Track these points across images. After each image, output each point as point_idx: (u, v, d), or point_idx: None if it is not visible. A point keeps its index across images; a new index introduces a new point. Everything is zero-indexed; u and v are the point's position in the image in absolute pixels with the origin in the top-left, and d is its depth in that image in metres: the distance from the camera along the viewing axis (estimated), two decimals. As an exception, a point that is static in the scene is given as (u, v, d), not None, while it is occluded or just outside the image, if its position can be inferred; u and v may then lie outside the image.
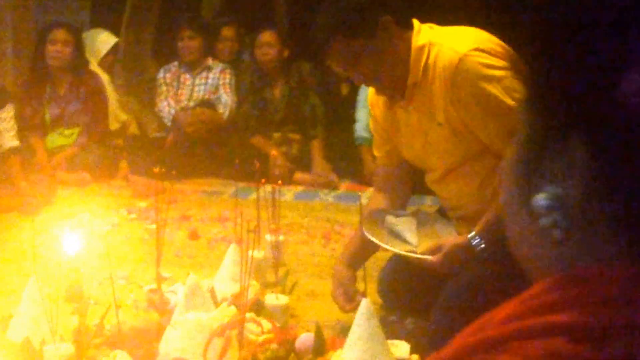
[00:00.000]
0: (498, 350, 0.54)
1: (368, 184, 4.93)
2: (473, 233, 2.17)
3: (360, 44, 2.16)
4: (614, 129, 0.52)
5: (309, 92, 5.47)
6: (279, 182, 3.13)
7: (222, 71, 5.59)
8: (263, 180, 2.92)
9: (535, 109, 0.58)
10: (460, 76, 2.08)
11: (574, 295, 0.53)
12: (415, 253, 2.24)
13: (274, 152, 5.12)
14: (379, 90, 2.32)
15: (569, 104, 0.54)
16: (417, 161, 2.42)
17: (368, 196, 4.72)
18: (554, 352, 0.52)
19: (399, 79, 2.22)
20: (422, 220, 2.37)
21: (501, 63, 2.08)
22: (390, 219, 2.36)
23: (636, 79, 0.50)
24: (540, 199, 0.55)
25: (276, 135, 5.40)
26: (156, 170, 2.72)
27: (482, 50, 2.09)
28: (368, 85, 2.37)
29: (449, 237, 2.28)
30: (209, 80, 5.58)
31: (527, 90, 0.61)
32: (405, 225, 2.32)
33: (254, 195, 2.98)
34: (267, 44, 5.44)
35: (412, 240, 2.28)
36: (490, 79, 2.06)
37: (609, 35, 0.52)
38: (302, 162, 5.20)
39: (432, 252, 2.20)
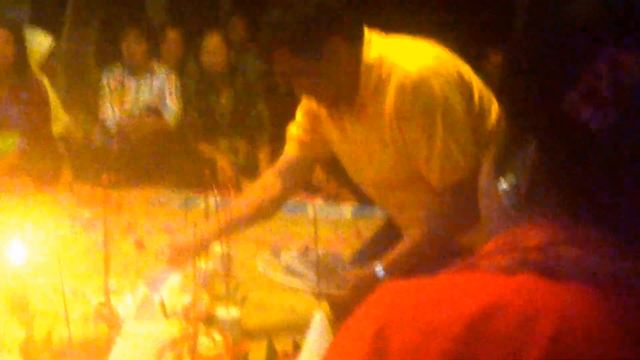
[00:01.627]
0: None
1: (317, 194, 4.93)
2: (379, 266, 2.15)
3: (305, 61, 2.10)
4: (557, 131, 0.64)
5: (256, 98, 5.44)
6: (228, 190, 3.11)
7: (167, 75, 5.53)
8: (214, 189, 2.89)
9: (505, 115, 0.71)
10: (412, 98, 2.04)
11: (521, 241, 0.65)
12: (319, 289, 2.21)
13: (221, 160, 5.08)
14: (321, 103, 2.26)
15: (527, 111, 0.67)
16: (357, 173, 2.39)
17: (317, 207, 4.76)
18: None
19: (346, 94, 2.16)
20: (314, 257, 2.35)
21: (453, 89, 2.05)
22: (285, 256, 2.34)
23: (576, 95, 0.62)
24: (502, 184, 0.68)
25: (223, 142, 5.36)
26: (103, 177, 2.67)
27: (437, 72, 2.05)
28: (309, 97, 2.31)
29: (352, 270, 2.24)
30: (154, 85, 5.51)
31: (499, 100, 0.77)
32: (301, 262, 2.31)
33: (201, 205, 2.95)
34: (213, 49, 5.40)
35: (312, 276, 2.26)
36: (438, 108, 2.03)
37: (562, 58, 0.64)
38: (249, 170, 5.17)
39: (337, 286, 2.18)
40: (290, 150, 2.46)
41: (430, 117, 2.04)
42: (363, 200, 3.97)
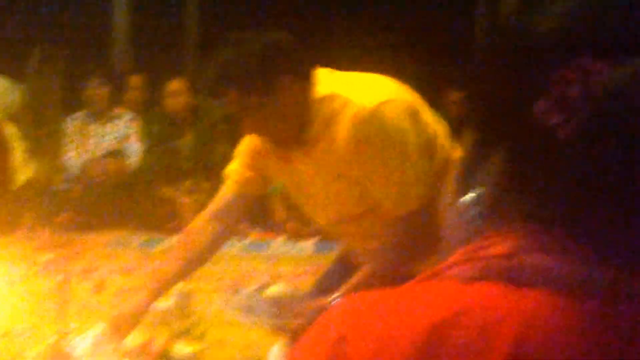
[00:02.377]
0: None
1: (278, 232, 4.94)
2: (335, 296, 2.14)
3: (253, 100, 2.07)
4: (526, 139, 0.63)
5: (219, 139, 5.46)
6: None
7: (130, 120, 5.55)
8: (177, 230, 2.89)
9: (471, 127, 0.70)
10: (366, 129, 2.04)
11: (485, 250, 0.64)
12: (277, 324, 2.22)
13: (184, 200, 5.08)
14: (269, 141, 2.23)
15: (494, 122, 0.67)
16: (309, 208, 2.38)
17: (278, 244, 4.78)
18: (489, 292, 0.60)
19: (297, 131, 2.15)
20: (272, 294, 2.35)
21: (407, 120, 2.06)
22: (244, 294, 2.34)
23: (545, 103, 0.61)
24: (466, 197, 0.67)
25: (187, 184, 5.37)
26: (60, 218, 2.66)
27: (390, 103, 2.05)
28: (258, 136, 2.25)
29: (309, 303, 2.23)
30: (117, 130, 5.52)
31: (467, 111, 0.73)
32: (259, 299, 2.31)
33: (162, 245, 2.94)
34: (176, 92, 5.43)
35: (269, 313, 2.26)
36: (393, 139, 2.04)
37: (531, 66, 0.64)
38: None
39: (294, 320, 2.19)
40: (229, 189, 2.41)
41: (385, 147, 2.05)
42: (325, 236, 3.99)
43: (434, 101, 5.05)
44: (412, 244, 2.14)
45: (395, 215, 2.12)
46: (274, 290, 2.34)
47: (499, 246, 0.62)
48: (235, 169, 2.39)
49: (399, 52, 7.67)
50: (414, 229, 2.11)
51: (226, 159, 5.44)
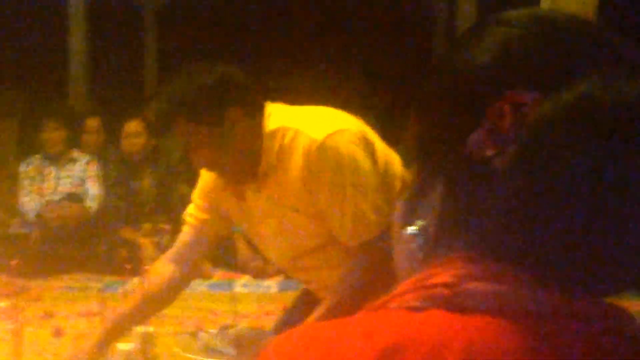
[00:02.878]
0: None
1: (242, 271, 4.88)
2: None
3: (203, 131, 2.07)
4: (462, 172, 0.66)
5: (178, 180, 5.41)
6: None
7: (88, 163, 5.47)
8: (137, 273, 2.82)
9: (414, 158, 0.72)
10: (320, 160, 2.03)
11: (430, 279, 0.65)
12: None
13: (142, 241, 5.01)
14: (222, 177, 2.22)
15: (432, 154, 0.69)
16: (263, 245, 2.36)
17: (242, 284, 4.73)
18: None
19: (248, 165, 2.14)
20: (234, 334, 2.32)
21: (359, 150, 2.06)
22: (203, 335, 2.31)
23: (479, 135, 0.64)
24: (410, 229, 0.69)
25: (146, 226, 5.29)
26: (12, 264, 2.58)
27: (342, 134, 2.06)
28: (209, 170, 2.25)
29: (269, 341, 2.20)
30: (75, 173, 5.45)
31: (408, 142, 0.76)
32: (220, 340, 2.27)
33: (122, 288, 2.87)
34: (134, 133, 5.38)
35: (231, 353, 2.23)
36: (346, 169, 2.03)
37: (464, 100, 0.66)
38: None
39: (257, 357, 2.14)
40: (187, 232, 2.40)
41: (339, 177, 2.03)
42: (289, 275, 3.95)
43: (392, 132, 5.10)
44: (372, 273, 2.11)
45: (354, 245, 2.09)
46: (235, 331, 2.30)
47: (441, 275, 0.63)
48: (192, 212, 2.37)
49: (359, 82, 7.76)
50: (374, 258, 2.08)
51: (186, 200, 5.40)
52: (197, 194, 2.38)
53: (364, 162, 2.05)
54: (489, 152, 0.63)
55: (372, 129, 2.22)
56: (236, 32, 8.48)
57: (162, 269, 2.40)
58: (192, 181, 5.35)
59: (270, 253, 2.37)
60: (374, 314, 0.65)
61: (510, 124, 0.62)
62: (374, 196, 2.07)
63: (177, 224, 5.34)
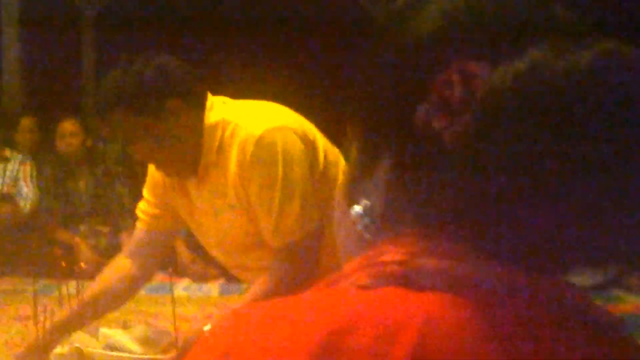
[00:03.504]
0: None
1: (182, 274, 4.80)
2: (209, 324, 2.05)
3: (142, 123, 2.02)
4: (411, 146, 0.63)
5: (116, 181, 5.31)
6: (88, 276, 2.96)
7: (21, 163, 5.34)
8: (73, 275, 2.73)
9: (354, 137, 0.69)
10: (254, 153, 2.00)
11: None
12: (148, 357, 2.12)
13: (78, 243, 4.90)
14: (161, 170, 2.16)
15: (378, 131, 0.66)
16: (206, 242, 2.31)
17: (182, 287, 4.65)
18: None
19: (188, 159, 2.09)
20: (134, 331, 2.27)
21: (297, 148, 2.03)
22: (104, 331, 2.25)
23: (427, 106, 0.61)
24: (355, 209, 0.66)
25: (83, 227, 5.18)
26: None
27: (280, 129, 2.02)
28: (148, 163, 2.22)
29: (181, 333, 2.15)
30: (7, 173, 5.30)
31: (348, 121, 0.70)
32: (122, 337, 2.22)
33: (57, 292, 2.77)
34: (69, 133, 5.26)
35: (136, 348, 2.17)
36: (280, 166, 1.99)
37: (410, 71, 0.63)
38: (112, 253, 4.99)
39: (164, 351, 2.10)
40: (140, 228, 2.33)
41: (271, 174, 2.00)
42: (231, 277, 3.90)
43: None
44: (296, 275, 2.07)
45: (278, 245, 2.06)
46: (138, 329, 2.25)
47: (392, 253, 0.61)
48: (143, 208, 2.32)
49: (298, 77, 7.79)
50: (299, 260, 2.06)
51: (123, 201, 5.32)
52: (146, 189, 2.33)
53: (300, 161, 2.02)
54: (438, 125, 0.60)
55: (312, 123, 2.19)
56: (176, 33, 8.40)
57: (117, 265, 2.35)
58: (129, 182, 5.30)
59: (213, 250, 2.33)
60: (321, 293, 0.62)
61: (459, 95, 0.59)
62: (305, 197, 2.03)
63: (115, 225, 5.26)
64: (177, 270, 4.77)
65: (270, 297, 2.10)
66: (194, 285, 4.68)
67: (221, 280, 4.55)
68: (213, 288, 4.59)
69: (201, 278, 4.73)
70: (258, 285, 2.11)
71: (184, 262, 4.81)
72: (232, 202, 2.08)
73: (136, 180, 5.40)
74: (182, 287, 4.67)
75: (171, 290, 2.28)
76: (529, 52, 0.58)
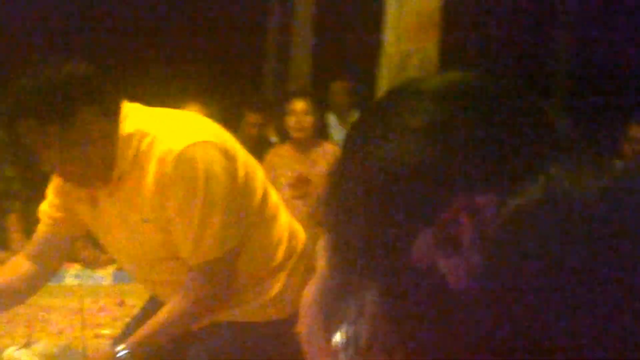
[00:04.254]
0: None
1: (72, 260, 4.70)
2: (121, 346, 2.04)
3: (51, 131, 1.92)
4: (402, 280, 0.57)
5: (3, 164, 5.12)
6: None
7: None
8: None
9: (336, 260, 0.63)
10: (174, 169, 1.95)
11: None
12: None
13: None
14: (70, 180, 2.09)
15: (367, 259, 0.59)
16: (115, 251, 2.28)
17: (73, 274, 4.55)
18: None
19: (101, 169, 2.02)
20: (37, 348, 2.25)
21: (217, 164, 1.99)
22: (8, 353, 2.22)
23: (424, 245, 0.56)
24: (337, 338, 0.61)
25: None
26: None
27: (201, 145, 1.98)
28: (58, 173, 2.11)
29: (94, 355, 2.16)
30: None
31: (327, 244, 0.65)
32: (26, 357, 2.20)
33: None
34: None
35: None
36: (200, 183, 1.96)
37: (396, 210, 0.58)
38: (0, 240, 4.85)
39: None
40: (41, 230, 2.28)
41: (191, 191, 1.96)
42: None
43: (235, 123, 5.07)
44: (211, 294, 2.09)
45: (196, 262, 2.05)
46: (42, 347, 2.21)
47: None
48: (46, 210, 2.25)
49: (199, 80, 7.71)
50: (215, 279, 2.06)
51: (11, 184, 5.14)
52: (50, 191, 2.25)
53: (220, 178, 1.99)
54: (443, 264, 0.55)
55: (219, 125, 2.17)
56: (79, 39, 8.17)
57: (17, 265, 2.28)
58: (20, 165, 5.12)
59: (122, 260, 2.29)
60: None
61: (469, 234, 0.54)
62: (226, 216, 2.01)
63: (1, 208, 5.09)
64: (68, 256, 4.66)
65: (186, 315, 2.11)
66: (85, 273, 4.57)
67: (114, 267, 4.47)
68: (106, 275, 4.50)
69: (93, 264, 4.64)
70: (174, 303, 2.08)
71: (75, 248, 4.71)
72: (147, 215, 2.03)
73: (27, 164, 5.23)
74: (73, 274, 4.56)
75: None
76: (539, 180, 0.54)
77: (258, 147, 4.77)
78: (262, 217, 2.17)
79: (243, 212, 2.08)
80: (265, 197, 2.18)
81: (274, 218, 2.22)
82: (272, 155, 4.72)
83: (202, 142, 1.98)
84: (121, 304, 3.72)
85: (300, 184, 4.64)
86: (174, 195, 1.98)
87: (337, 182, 0.63)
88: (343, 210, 0.62)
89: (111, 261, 4.50)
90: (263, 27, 9.78)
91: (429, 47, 5.05)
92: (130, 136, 2.00)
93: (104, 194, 2.09)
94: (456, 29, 7.00)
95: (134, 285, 3.72)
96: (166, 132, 2.00)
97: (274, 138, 5.55)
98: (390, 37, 5.13)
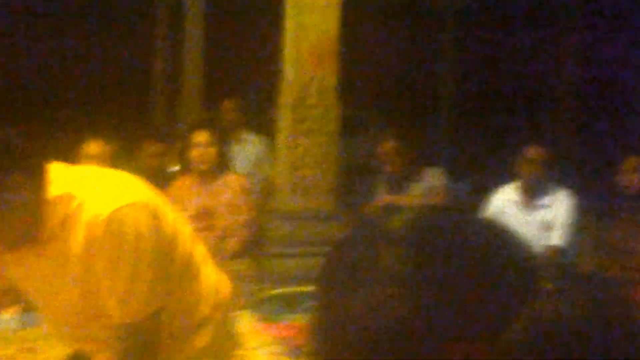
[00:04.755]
0: None
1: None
2: None
3: None
4: None
5: None
6: None
7: None
8: None
9: None
10: (101, 237, 1.95)
11: None
12: None
13: None
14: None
15: None
16: (41, 310, 2.25)
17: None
18: None
19: (28, 233, 2.00)
20: None
21: (145, 226, 1.99)
22: None
23: None
24: None
25: None
26: None
27: (131, 208, 1.98)
28: None
29: None
30: None
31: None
32: None
33: None
34: None
35: None
36: (127, 246, 1.96)
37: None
38: None
39: None
40: None
41: (119, 254, 1.96)
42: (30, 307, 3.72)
43: (132, 153, 5.01)
44: (138, 353, 2.08)
45: (122, 323, 2.05)
46: None
47: None
48: None
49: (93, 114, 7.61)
50: (141, 338, 2.06)
51: None
52: None
53: (148, 240, 1.99)
54: None
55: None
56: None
57: None
58: None
59: (50, 318, 2.26)
60: None
61: None
62: (153, 277, 2.02)
63: None
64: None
65: None
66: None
67: (19, 308, 4.31)
68: (12, 319, 4.32)
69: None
70: None
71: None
72: (75, 277, 2.02)
73: None
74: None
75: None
76: (514, 324, 0.61)
77: (158, 178, 4.72)
78: (188, 272, 2.19)
79: (170, 270, 2.09)
80: (191, 251, 2.20)
81: (199, 272, 2.24)
82: (175, 188, 4.69)
83: (130, 204, 1.98)
84: (30, 350, 3.60)
85: (204, 216, 4.64)
86: (102, 257, 1.98)
87: (326, 338, 0.66)
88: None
89: (16, 301, 4.34)
90: (152, 46, 9.68)
91: (328, 75, 5.14)
92: (57, 199, 1.99)
93: (32, 254, 2.07)
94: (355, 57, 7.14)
95: (39, 328, 3.62)
96: (93, 194, 1.99)
97: (174, 168, 5.50)
98: (288, 64, 5.19)
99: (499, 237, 0.66)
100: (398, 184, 5.11)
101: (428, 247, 0.63)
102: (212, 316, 2.25)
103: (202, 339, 2.23)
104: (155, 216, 2.03)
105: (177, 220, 2.16)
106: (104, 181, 2.08)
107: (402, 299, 0.61)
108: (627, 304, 0.63)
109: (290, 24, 5.17)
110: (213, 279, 2.29)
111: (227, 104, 6.27)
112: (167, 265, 2.08)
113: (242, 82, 9.18)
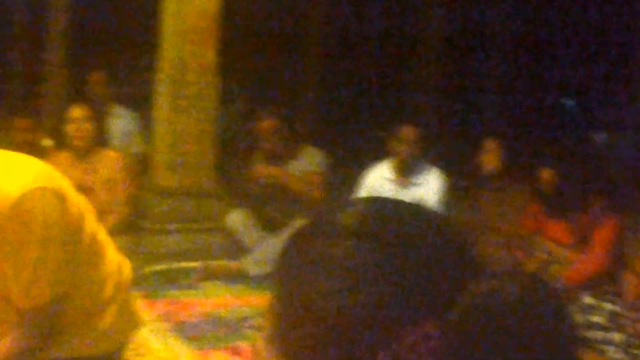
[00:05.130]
0: None
1: None
2: None
3: None
4: None
5: None
6: None
7: None
8: None
9: None
10: (8, 220, 1.91)
11: None
12: None
13: None
14: None
15: None
16: None
17: None
18: None
19: None
20: None
21: (53, 210, 1.97)
22: None
23: (384, 355, 0.66)
24: None
25: None
26: None
27: (37, 191, 1.94)
28: None
29: None
30: None
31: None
32: None
33: None
34: None
35: None
36: (35, 230, 1.94)
37: (348, 351, 0.67)
38: None
39: None
40: None
41: (26, 237, 1.94)
42: None
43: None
44: (39, 337, 2.09)
45: (25, 307, 2.04)
46: None
47: None
48: None
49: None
50: (43, 322, 2.07)
51: None
52: None
53: (55, 226, 1.98)
54: None
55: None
56: None
57: None
58: None
59: None
60: None
61: (423, 355, 0.67)
62: (59, 262, 2.02)
63: None
64: None
65: (19, 354, 2.06)
66: None
67: None
68: None
69: None
70: (5, 343, 2.05)
71: None
72: None
73: None
74: None
75: None
76: (461, 301, 0.67)
77: (32, 153, 4.59)
78: (94, 253, 2.19)
79: (76, 252, 2.09)
80: (94, 234, 2.19)
81: (102, 254, 2.24)
82: (49, 163, 4.57)
83: (40, 187, 1.96)
84: None
85: (81, 192, 4.55)
86: (9, 239, 1.95)
87: (286, 327, 0.71)
88: (301, 349, 0.70)
89: None
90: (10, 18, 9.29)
91: (208, 52, 5.12)
92: None
93: None
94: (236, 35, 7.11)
95: None
96: (1, 177, 1.95)
97: (46, 142, 5.36)
98: (167, 40, 5.14)
99: (440, 223, 0.73)
100: (275, 162, 5.14)
101: (378, 238, 0.68)
102: (116, 296, 2.26)
103: (106, 320, 2.23)
104: (60, 200, 2.01)
105: (81, 201, 2.15)
106: (12, 163, 2.03)
107: (357, 289, 0.66)
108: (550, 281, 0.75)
109: (170, 1, 5.12)
110: (116, 259, 2.30)
111: (94, 77, 6.13)
112: (73, 249, 2.08)
113: (115, 56, 8.95)
